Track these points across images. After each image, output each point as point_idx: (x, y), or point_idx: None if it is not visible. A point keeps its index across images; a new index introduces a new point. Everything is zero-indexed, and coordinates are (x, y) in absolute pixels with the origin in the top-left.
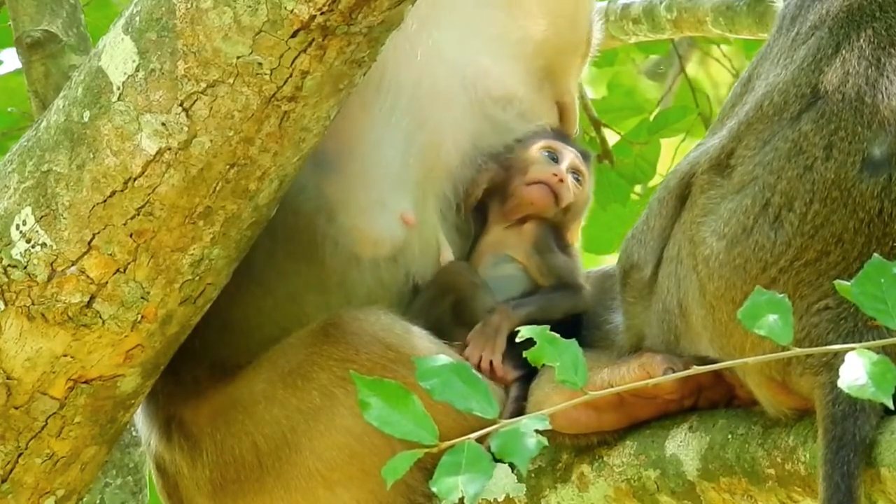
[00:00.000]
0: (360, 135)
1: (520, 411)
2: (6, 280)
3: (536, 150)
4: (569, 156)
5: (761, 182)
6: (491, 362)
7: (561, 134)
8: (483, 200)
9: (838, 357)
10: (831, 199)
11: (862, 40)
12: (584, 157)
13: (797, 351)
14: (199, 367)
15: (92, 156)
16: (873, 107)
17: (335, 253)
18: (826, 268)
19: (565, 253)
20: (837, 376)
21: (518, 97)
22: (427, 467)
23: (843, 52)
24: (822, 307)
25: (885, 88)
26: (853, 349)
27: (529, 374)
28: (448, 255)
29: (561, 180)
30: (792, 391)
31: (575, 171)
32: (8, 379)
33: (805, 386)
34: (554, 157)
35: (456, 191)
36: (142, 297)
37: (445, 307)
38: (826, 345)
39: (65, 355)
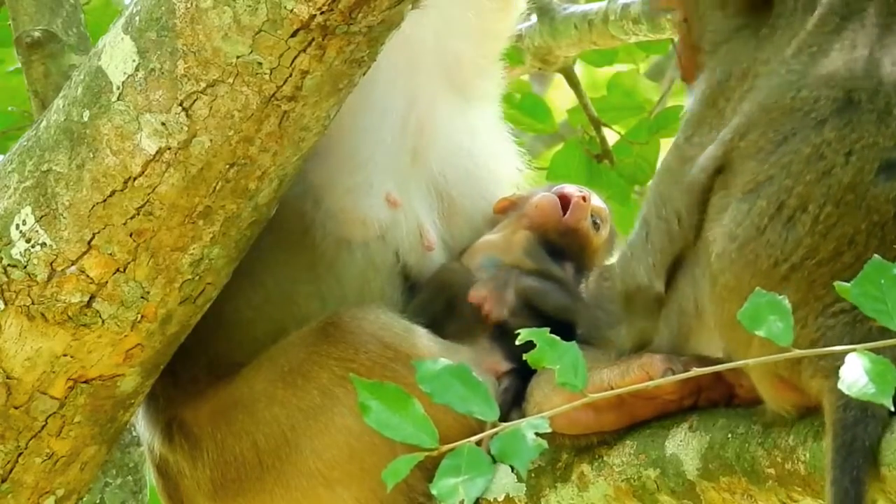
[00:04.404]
0: (348, 120)
1: (510, 402)
2: (6, 280)
3: (573, 186)
4: (597, 201)
5: (777, 184)
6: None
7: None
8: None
9: None
10: (845, 203)
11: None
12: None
13: (797, 353)
14: (196, 365)
15: (92, 155)
16: None
17: (324, 237)
18: (840, 268)
19: (558, 265)
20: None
21: (479, 79)
22: (428, 466)
23: (878, 54)
24: (838, 310)
25: None
26: (854, 350)
27: (520, 367)
28: (432, 238)
29: (584, 198)
30: (797, 389)
31: (596, 216)
32: (8, 378)
33: (814, 387)
34: (583, 195)
35: (439, 175)
36: (142, 297)
37: (440, 305)
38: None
39: (65, 355)
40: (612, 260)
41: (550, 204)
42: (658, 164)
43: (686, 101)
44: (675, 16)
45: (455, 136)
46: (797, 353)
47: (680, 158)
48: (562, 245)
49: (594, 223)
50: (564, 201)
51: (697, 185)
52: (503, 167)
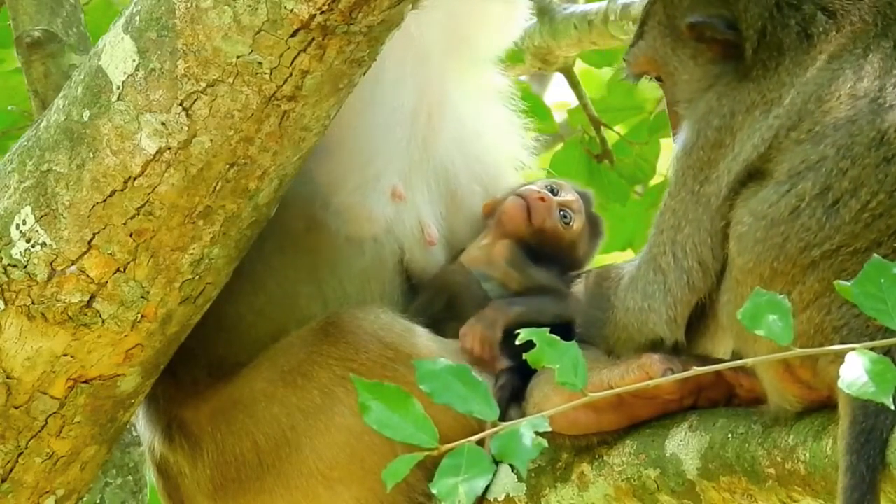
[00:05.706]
0: (357, 117)
1: (507, 399)
2: (6, 279)
3: (541, 182)
4: (566, 194)
5: (830, 164)
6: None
7: (576, 189)
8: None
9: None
10: None
11: None
12: (586, 200)
13: (797, 352)
14: (196, 367)
15: (92, 155)
16: None
17: (330, 236)
18: None
19: (542, 267)
20: None
21: (490, 62)
22: (428, 466)
23: None
24: None
25: None
26: (854, 349)
27: (517, 364)
28: (433, 232)
29: (542, 199)
30: (802, 382)
31: (565, 209)
32: (8, 378)
33: (832, 373)
34: (552, 190)
35: (449, 163)
36: (142, 297)
37: (441, 305)
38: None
39: (65, 355)
40: (612, 272)
41: (515, 209)
42: (658, 165)
43: (674, 154)
44: (652, 77)
45: (465, 122)
46: (798, 351)
47: (697, 203)
48: (538, 247)
49: (563, 217)
50: (529, 203)
51: (725, 200)
52: (510, 155)
